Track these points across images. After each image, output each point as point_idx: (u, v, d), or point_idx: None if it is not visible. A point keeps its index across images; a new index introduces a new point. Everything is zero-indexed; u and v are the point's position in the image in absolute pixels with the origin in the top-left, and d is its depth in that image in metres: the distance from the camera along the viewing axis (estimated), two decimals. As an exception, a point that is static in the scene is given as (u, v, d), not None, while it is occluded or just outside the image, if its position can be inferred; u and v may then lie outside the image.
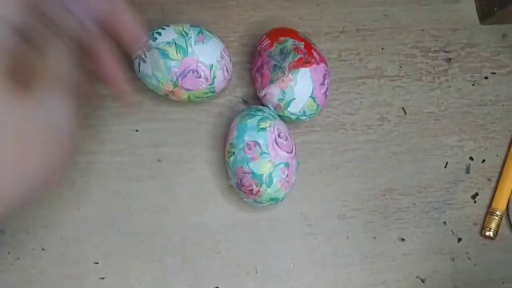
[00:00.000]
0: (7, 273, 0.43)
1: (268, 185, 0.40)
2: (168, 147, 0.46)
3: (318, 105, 0.44)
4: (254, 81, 0.45)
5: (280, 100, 0.43)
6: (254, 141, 0.41)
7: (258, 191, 0.41)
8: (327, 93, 0.45)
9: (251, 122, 0.42)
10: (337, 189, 0.47)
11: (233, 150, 0.42)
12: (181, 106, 0.47)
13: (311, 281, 0.45)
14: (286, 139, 0.42)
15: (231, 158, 0.42)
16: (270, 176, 0.40)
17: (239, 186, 0.42)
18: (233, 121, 0.44)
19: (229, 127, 0.47)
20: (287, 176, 0.41)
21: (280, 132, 0.42)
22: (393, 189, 0.48)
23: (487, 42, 0.52)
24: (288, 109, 0.44)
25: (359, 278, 0.46)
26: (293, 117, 0.44)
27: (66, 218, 0.44)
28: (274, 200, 0.42)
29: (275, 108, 0.44)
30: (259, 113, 0.43)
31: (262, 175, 0.40)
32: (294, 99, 0.43)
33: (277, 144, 0.41)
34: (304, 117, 0.44)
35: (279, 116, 0.44)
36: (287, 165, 0.41)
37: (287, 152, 0.42)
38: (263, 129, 0.41)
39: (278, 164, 0.41)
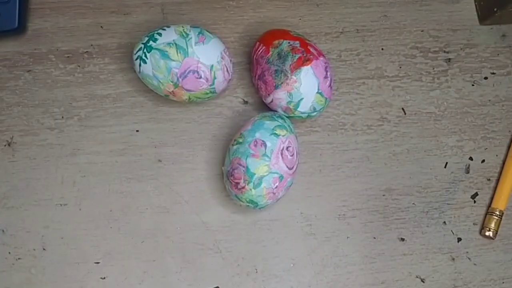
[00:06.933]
0: (7, 273, 0.43)
1: (255, 187, 0.41)
2: (168, 147, 0.47)
3: (326, 99, 0.44)
4: (258, 89, 0.46)
5: (289, 103, 0.44)
6: (263, 141, 0.41)
7: (243, 187, 0.41)
8: (332, 84, 0.45)
9: (268, 123, 0.42)
10: (337, 189, 0.47)
11: (240, 140, 0.42)
12: (181, 106, 0.47)
13: (311, 281, 0.45)
14: (292, 155, 0.42)
15: (235, 147, 0.42)
16: (260, 179, 0.40)
17: (229, 175, 0.42)
18: (254, 117, 0.44)
19: (229, 127, 0.47)
20: (276, 187, 0.41)
21: (290, 146, 0.42)
22: (393, 189, 0.48)
23: (487, 43, 0.52)
24: (298, 109, 0.44)
25: (359, 278, 0.46)
26: (304, 115, 0.45)
27: (66, 218, 0.44)
28: (253, 203, 0.42)
29: (284, 111, 0.44)
30: (280, 120, 0.43)
31: (254, 174, 0.40)
32: (302, 98, 0.43)
33: (281, 154, 0.41)
34: (314, 113, 0.45)
35: (290, 117, 0.45)
36: (281, 178, 0.41)
37: (288, 167, 0.42)
38: (276, 135, 0.42)
39: (274, 173, 0.41)
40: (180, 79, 0.42)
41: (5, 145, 0.46)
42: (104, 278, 0.44)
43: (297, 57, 0.43)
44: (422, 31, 0.52)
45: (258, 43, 0.46)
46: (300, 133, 0.48)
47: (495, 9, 0.50)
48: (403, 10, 0.52)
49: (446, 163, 0.49)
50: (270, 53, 0.44)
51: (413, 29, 0.52)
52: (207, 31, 0.44)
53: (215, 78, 0.43)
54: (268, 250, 0.45)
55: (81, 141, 0.46)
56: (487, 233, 0.47)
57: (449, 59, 0.52)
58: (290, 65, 0.43)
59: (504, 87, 0.52)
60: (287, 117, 0.44)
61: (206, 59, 0.43)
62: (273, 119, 0.43)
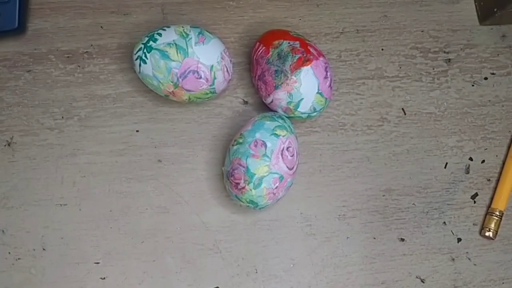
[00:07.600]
0: (7, 273, 0.43)
1: (255, 187, 0.41)
2: (168, 148, 0.47)
3: (326, 99, 0.44)
4: (258, 89, 0.46)
5: (289, 103, 0.44)
6: (263, 141, 0.41)
7: (244, 187, 0.41)
8: (332, 84, 0.45)
9: (269, 124, 0.42)
10: (337, 189, 0.47)
11: (240, 140, 0.42)
12: (181, 106, 0.47)
13: (311, 281, 0.45)
14: (293, 156, 0.42)
15: (235, 147, 0.42)
16: (261, 179, 0.41)
17: (229, 175, 0.42)
18: (254, 117, 0.44)
19: (229, 128, 0.47)
20: (276, 188, 0.41)
21: (290, 147, 0.42)
22: (393, 189, 0.48)
23: (487, 43, 0.52)
24: (298, 109, 0.44)
25: (359, 278, 0.46)
26: (304, 116, 0.45)
27: (66, 218, 0.44)
28: (253, 204, 0.42)
29: (285, 111, 0.44)
30: (280, 121, 0.43)
31: (254, 174, 0.40)
32: (302, 99, 0.43)
33: (282, 154, 0.41)
34: (314, 114, 0.45)
35: (290, 117, 0.45)
36: (281, 178, 0.41)
37: (288, 167, 0.42)
38: (277, 135, 0.42)
39: (274, 173, 0.41)
40: (180, 79, 0.42)
41: (5, 145, 0.46)
42: (104, 278, 0.44)
43: (297, 57, 0.43)
44: (422, 31, 0.52)
45: (258, 43, 0.46)
46: (300, 134, 0.48)
47: (495, 9, 0.50)
48: (403, 11, 0.52)
49: (446, 163, 0.49)
50: (270, 53, 0.44)
51: (413, 29, 0.52)
52: (207, 31, 0.44)
53: (215, 78, 0.43)
54: (268, 250, 0.45)
55: (81, 141, 0.46)
56: (487, 234, 0.47)
57: (449, 59, 0.52)
58: (290, 65, 0.43)
59: (504, 88, 0.52)
60: (287, 117, 0.44)
61: (206, 59, 0.43)
62: (273, 119, 0.43)
